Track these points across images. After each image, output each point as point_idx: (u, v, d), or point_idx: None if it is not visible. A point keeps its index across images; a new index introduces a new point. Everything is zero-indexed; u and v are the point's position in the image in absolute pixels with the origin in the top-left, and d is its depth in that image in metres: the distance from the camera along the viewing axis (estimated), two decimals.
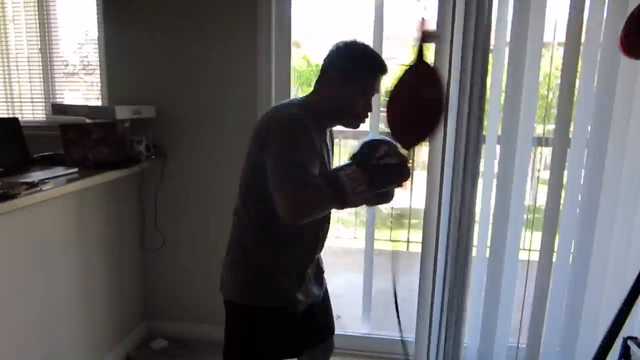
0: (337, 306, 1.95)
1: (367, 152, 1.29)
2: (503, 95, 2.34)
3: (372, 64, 1.40)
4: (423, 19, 1.32)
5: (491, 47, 2.24)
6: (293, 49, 2.64)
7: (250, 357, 1.52)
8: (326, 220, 1.57)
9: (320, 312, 1.69)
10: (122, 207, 2.54)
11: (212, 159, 2.70)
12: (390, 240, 4.86)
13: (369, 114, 1.45)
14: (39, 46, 2.98)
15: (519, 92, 2.28)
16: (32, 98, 3.07)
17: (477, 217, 2.42)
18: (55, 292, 2.11)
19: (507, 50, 2.26)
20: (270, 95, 2.58)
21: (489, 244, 2.49)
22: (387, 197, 1.38)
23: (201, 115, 2.68)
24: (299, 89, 4.84)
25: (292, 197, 1.25)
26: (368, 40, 2.26)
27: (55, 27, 2.97)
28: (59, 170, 2.18)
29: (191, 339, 2.84)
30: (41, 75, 3.02)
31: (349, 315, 3.06)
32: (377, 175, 1.26)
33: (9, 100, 3.12)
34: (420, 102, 1.28)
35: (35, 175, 2.06)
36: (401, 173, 1.28)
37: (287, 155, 1.29)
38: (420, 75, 1.29)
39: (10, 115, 3.03)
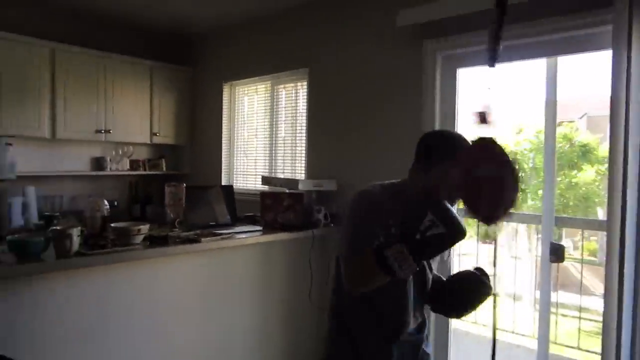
0: None
1: (410, 224, 1.29)
2: None
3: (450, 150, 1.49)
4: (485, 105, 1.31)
5: None
6: None
7: None
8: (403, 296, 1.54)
9: None
10: (295, 263, 2.95)
11: None
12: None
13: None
14: (267, 131, 3.83)
15: None
16: (256, 170, 3.91)
17: None
18: (236, 319, 2.61)
19: None
20: None
21: None
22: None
23: None
24: None
25: (347, 261, 1.39)
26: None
27: (277, 115, 3.77)
28: (247, 227, 2.75)
29: None
30: (267, 154, 3.83)
31: None
32: (422, 249, 1.26)
33: (241, 173, 4.06)
34: (479, 181, 1.26)
35: (231, 229, 2.66)
36: (451, 239, 1.26)
37: (348, 226, 1.45)
38: (476, 153, 1.29)
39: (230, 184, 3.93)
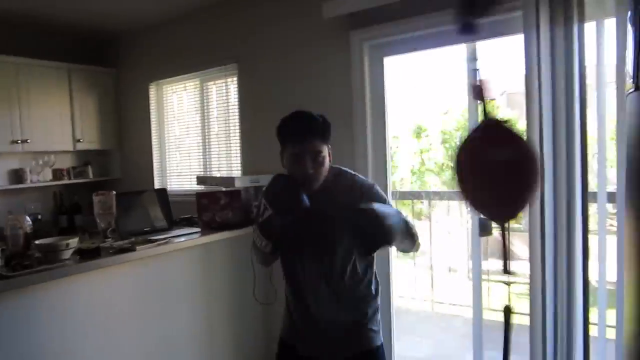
0: None
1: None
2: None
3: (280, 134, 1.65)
4: (479, 80, 1.15)
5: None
6: None
7: None
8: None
9: None
10: (237, 262, 2.91)
11: None
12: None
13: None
14: (199, 130, 3.73)
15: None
16: (191, 170, 3.81)
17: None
18: (179, 325, 2.55)
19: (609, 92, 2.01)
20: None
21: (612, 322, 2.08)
22: None
23: None
24: None
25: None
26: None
27: (209, 113, 3.68)
28: (184, 230, 2.68)
29: None
30: (201, 153, 3.74)
31: None
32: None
33: (175, 174, 3.94)
34: (493, 168, 1.03)
35: (167, 234, 2.58)
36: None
37: None
38: (485, 138, 1.09)
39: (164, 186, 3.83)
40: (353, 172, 1.75)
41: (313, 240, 1.62)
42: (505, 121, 1.07)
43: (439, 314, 4.54)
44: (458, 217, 5.02)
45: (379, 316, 1.75)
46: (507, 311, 1.07)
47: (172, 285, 2.54)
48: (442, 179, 6.48)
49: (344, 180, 1.67)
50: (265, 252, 1.68)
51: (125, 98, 4.13)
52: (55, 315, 2.00)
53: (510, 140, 1.04)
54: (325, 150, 1.60)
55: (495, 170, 1.01)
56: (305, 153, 1.56)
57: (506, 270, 1.03)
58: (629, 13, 0.82)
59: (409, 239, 1.62)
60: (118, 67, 4.14)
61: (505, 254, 1.04)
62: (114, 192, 2.45)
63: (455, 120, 6.12)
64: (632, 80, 0.80)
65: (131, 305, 2.33)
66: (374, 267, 1.74)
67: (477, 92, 1.12)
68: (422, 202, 4.75)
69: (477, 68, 1.11)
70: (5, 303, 1.82)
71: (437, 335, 4.07)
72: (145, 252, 2.25)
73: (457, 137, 5.89)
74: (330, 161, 1.63)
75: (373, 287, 1.72)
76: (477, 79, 1.11)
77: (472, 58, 1.11)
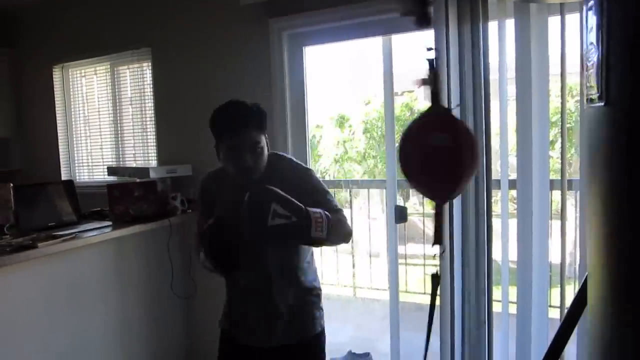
0: None
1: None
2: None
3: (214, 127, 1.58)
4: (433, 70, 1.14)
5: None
6: None
7: None
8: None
9: None
10: (153, 256, 2.81)
11: None
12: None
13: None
14: (111, 118, 3.52)
15: (528, 129, 2.13)
16: (103, 160, 3.60)
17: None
18: (91, 328, 2.42)
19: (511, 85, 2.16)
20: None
21: (514, 298, 2.27)
22: None
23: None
24: None
25: None
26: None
27: (121, 99, 3.48)
28: (94, 224, 2.53)
29: None
30: (113, 142, 3.53)
31: None
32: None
33: (85, 165, 3.70)
34: (431, 152, 1.08)
35: (75, 228, 2.41)
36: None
37: None
38: (425, 124, 1.13)
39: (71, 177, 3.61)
40: (289, 157, 1.74)
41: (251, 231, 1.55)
42: (447, 110, 1.14)
43: (360, 299, 4.69)
44: (379, 204, 5.20)
45: (320, 302, 1.74)
46: (435, 278, 1.15)
47: (83, 283, 2.40)
48: (364, 168, 6.66)
49: (282, 166, 1.64)
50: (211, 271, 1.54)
51: (26, 82, 3.78)
52: None
53: (452, 126, 1.11)
54: (263, 140, 1.56)
55: (438, 154, 1.07)
56: (242, 145, 1.51)
57: (438, 242, 1.12)
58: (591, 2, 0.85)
59: (343, 239, 1.64)
60: (16, 47, 3.78)
61: (440, 229, 1.12)
62: (11, 184, 2.25)
63: (376, 110, 6.30)
64: (593, 90, 0.84)
65: (35, 307, 2.17)
66: (313, 253, 1.74)
67: (431, 81, 1.13)
68: (344, 190, 4.85)
69: (433, 57, 1.09)
70: None
71: (358, 319, 4.21)
72: (48, 249, 2.08)
73: (379, 126, 6.05)
74: (268, 150, 1.60)
75: (313, 274, 1.72)
76: (432, 68, 1.12)
77: (429, 48, 1.11)
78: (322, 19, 2.57)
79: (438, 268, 1.27)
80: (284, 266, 1.64)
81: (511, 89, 2.21)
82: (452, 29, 2.14)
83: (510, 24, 2.14)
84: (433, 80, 1.10)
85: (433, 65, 1.09)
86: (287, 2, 2.55)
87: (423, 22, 1.09)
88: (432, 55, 1.08)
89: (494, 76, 2.17)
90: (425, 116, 1.13)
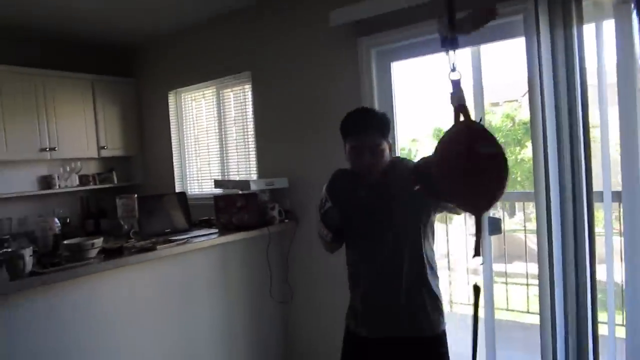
0: None
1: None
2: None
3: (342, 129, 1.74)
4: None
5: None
6: None
7: None
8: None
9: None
10: (254, 261, 3.03)
11: None
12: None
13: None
14: (217, 136, 3.87)
15: (632, 137, 2.00)
16: (210, 174, 3.95)
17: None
18: (200, 322, 2.68)
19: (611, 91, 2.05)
20: None
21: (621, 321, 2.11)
22: None
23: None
24: None
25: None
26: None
27: (225, 119, 3.82)
28: (203, 231, 2.81)
29: None
30: (219, 158, 3.87)
31: None
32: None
33: (195, 178, 4.09)
34: (479, 161, 1.06)
35: (186, 234, 2.71)
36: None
37: None
38: (471, 133, 1.11)
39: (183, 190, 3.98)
40: (411, 160, 1.84)
41: (371, 226, 1.72)
42: (478, 122, 1.15)
43: (457, 314, 4.56)
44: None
45: (441, 301, 1.77)
46: (476, 289, 1.14)
47: (191, 283, 2.67)
48: None
49: (401, 167, 1.72)
50: (327, 241, 1.83)
51: (146, 106, 4.30)
52: (81, 310, 2.14)
53: (485, 138, 1.10)
54: (384, 144, 1.70)
55: (474, 165, 1.06)
56: (364, 146, 1.67)
57: (477, 254, 1.11)
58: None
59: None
60: (138, 77, 4.32)
61: (479, 240, 1.12)
62: (136, 195, 2.59)
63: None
64: None
65: (152, 302, 2.46)
66: (434, 249, 1.78)
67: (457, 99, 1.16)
68: None
69: (458, 78, 1.14)
70: (35, 298, 1.97)
71: (454, 335, 4.09)
72: (165, 251, 2.37)
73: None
74: (390, 154, 1.74)
75: (434, 270, 1.76)
76: (458, 88, 1.16)
77: (453, 68, 1.14)
78: (408, 35, 2.63)
79: (478, 279, 1.25)
80: (404, 258, 1.69)
81: (611, 94, 2.09)
82: (544, 34, 2.09)
83: (608, 25, 2.03)
84: (460, 99, 1.13)
85: (458, 85, 1.13)
86: (374, 20, 2.65)
87: (447, 44, 1.14)
88: (456, 76, 1.11)
89: (592, 81, 2.08)
90: (466, 126, 1.12)
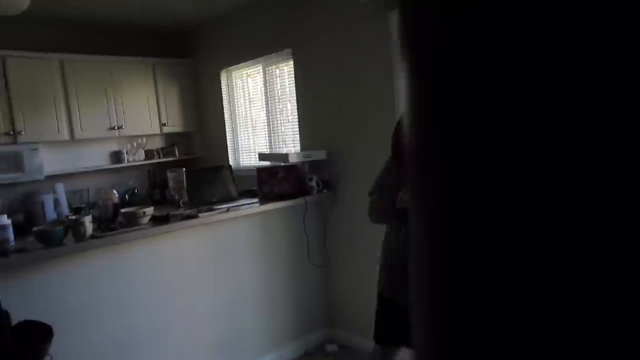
0: None
1: None
2: None
3: None
4: None
5: None
6: None
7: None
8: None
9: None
10: (292, 228, 3.26)
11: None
12: None
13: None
14: (264, 111, 4.09)
15: None
16: (257, 148, 4.20)
17: None
18: (243, 283, 2.99)
19: None
20: None
21: None
22: None
23: (362, 157, 3.18)
24: None
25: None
26: None
27: (273, 95, 4.03)
28: (246, 200, 3.07)
29: (358, 349, 3.27)
30: (266, 132, 4.11)
31: None
32: None
33: (246, 151, 4.37)
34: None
35: (230, 203, 2.98)
36: None
37: None
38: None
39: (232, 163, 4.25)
40: None
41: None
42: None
43: None
44: None
45: None
46: None
47: (235, 248, 2.96)
48: None
49: None
50: (388, 216, 1.99)
51: (202, 85, 4.62)
52: (133, 270, 2.50)
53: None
54: None
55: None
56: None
57: None
58: None
59: None
60: (194, 58, 4.64)
61: None
62: (184, 169, 2.90)
63: None
64: None
65: (199, 264, 2.78)
66: None
67: None
68: None
69: None
70: (96, 258, 2.34)
71: None
72: (207, 218, 2.66)
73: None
74: None
75: None
76: None
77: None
78: None
79: None
80: None
81: None
82: None
83: None
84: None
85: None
86: None
87: None
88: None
89: None
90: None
